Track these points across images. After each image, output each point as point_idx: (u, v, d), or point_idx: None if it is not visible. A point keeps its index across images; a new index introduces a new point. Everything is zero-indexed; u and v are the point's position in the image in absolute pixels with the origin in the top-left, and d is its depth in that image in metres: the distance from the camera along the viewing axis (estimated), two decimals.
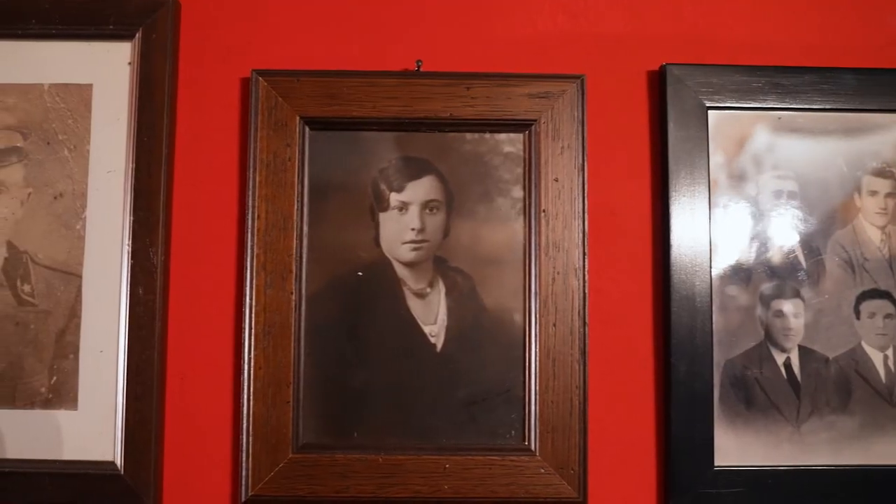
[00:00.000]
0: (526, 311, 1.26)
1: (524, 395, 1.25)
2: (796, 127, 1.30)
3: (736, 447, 1.26)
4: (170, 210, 1.28)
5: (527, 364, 1.25)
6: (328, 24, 1.33)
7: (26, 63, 1.30)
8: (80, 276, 1.27)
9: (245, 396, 1.23)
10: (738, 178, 1.30)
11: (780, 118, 1.30)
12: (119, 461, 1.23)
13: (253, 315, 1.24)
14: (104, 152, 1.28)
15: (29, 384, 1.26)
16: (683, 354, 1.26)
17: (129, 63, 1.29)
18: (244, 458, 1.23)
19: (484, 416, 1.26)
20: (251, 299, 1.24)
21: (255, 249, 1.25)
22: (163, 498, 1.25)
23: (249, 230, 1.25)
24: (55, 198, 1.28)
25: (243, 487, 1.23)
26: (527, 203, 1.28)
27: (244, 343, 1.24)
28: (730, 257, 1.29)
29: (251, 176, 1.26)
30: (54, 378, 1.26)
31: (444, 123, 1.28)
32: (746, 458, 1.26)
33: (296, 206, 1.26)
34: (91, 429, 1.25)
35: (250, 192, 1.26)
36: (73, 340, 1.26)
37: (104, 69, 1.30)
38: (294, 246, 1.25)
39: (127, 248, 1.26)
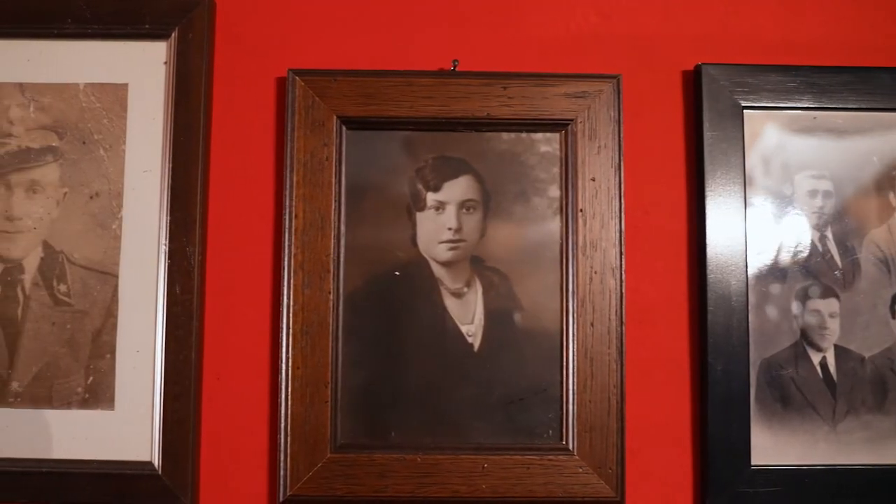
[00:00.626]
0: (563, 311, 1.26)
1: (562, 395, 1.25)
2: (831, 126, 1.30)
3: (772, 446, 1.26)
4: (206, 210, 1.28)
5: (564, 363, 1.25)
6: (363, 23, 1.33)
7: (62, 63, 1.30)
8: (116, 276, 1.27)
9: (283, 396, 1.23)
10: (773, 178, 1.30)
11: (815, 118, 1.30)
12: (156, 461, 1.23)
13: (291, 315, 1.24)
14: (140, 152, 1.28)
15: (65, 384, 1.26)
16: (720, 354, 1.26)
17: (165, 62, 1.29)
18: (282, 458, 1.23)
19: (521, 416, 1.26)
20: (289, 299, 1.24)
21: (292, 249, 1.25)
22: (199, 498, 1.25)
23: (287, 230, 1.25)
24: (91, 197, 1.28)
25: (281, 487, 1.22)
26: (564, 203, 1.28)
27: (282, 343, 1.24)
28: (765, 257, 1.29)
29: (288, 175, 1.26)
30: (91, 378, 1.26)
31: (480, 123, 1.28)
32: (783, 457, 1.26)
33: (333, 206, 1.26)
34: (128, 429, 1.25)
35: (287, 192, 1.26)
36: (109, 340, 1.26)
37: (140, 69, 1.29)
38: (331, 245, 1.25)
39: (164, 248, 1.25)
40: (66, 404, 1.26)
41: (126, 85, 1.29)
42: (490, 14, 1.34)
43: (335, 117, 1.27)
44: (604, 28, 1.34)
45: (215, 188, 1.29)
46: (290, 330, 1.24)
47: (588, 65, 1.32)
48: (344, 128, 1.27)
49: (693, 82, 1.32)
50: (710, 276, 1.27)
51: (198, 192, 1.26)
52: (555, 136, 1.29)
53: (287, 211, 1.25)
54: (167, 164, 1.27)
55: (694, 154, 1.31)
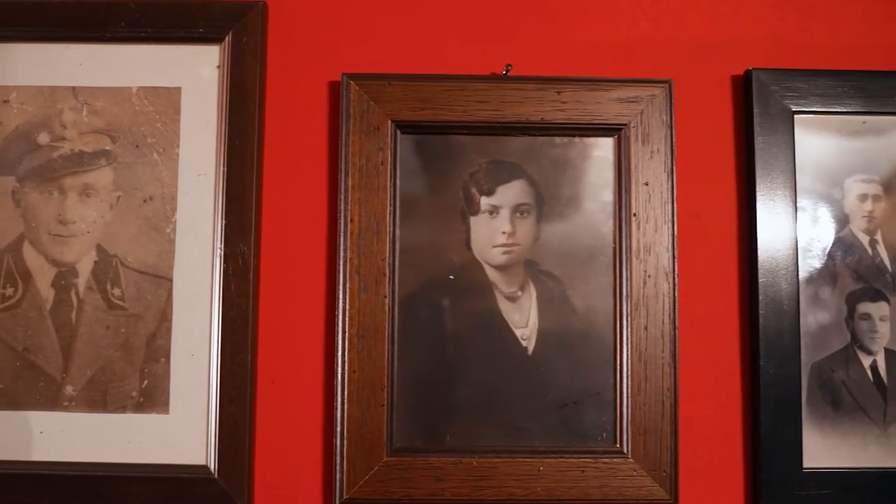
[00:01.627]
0: (617, 315, 1.27)
1: (616, 398, 1.26)
2: (881, 130, 1.31)
3: (823, 449, 1.27)
4: (260, 213, 1.28)
5: (618, 367, 1.26)
6: (415, 27, 1.33)
7: (115, 66, 1.29)
8: (170, 280, 1.27)
9: (339, 400, 1.23)
10: (822, 182, 1.31)
11: (864, 122, 1.31)
12: (212, 465, 1.23)
13: (347, 319, 1.24)
14: (194, 156, 1.28)
15: (120, 388, 1.26)
16: (772, 357, 1.27)
17: (218, 66, 1.29)
18: (338, 461, 1.23)
19: (575, 419, 1.27)
20: (345, 303, 1.24)
21: (348, 253, 1.25)
22: (254, 502, 1.25)
23: (342, 234, 1.25)
24: (144, 201, 1.28)
25: (337, 490, 1.23)
26: (617, 206, 1.28)
27: (337, 346, 1.24)
28: (815, 260, 1.30)
29: (343, 180, 1.26)
30: (145, 382, 1.26)
31: (534, 127, 1.28)
32: (834, 460, 1.27)
33: (388, 210, 1.26)
34: (183, 433, 1.25)
35: (342, 196, 1.26)
36: (163, 344, 1.26)
37: (193, 72, 1.29)
38: (387, 249, 1.25)
39: (219, 252, 1.26)
40: (121, 408, 1.25)
41: (179, 89, 1.29)
42: (540, 19, 1.34)
43: (390, 121, 1.27)
44: (653, 33, 1.34)
45: (268, 192, 1.29)
46: (347, 334, 1.24)
47: (637, 69, 1.33)
48: (398, 132, 1.28)
49: (743, 87, 1.32)
50: (762, 280, 1.28)
51: (253, 195, 1.26)
52: (607, 141, 1.30)
53: (342, 215, 1.25)
54: (222, 168, 1.27)
55: (744, 158, 1.32)
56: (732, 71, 1.33)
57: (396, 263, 1.26)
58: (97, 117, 1.29)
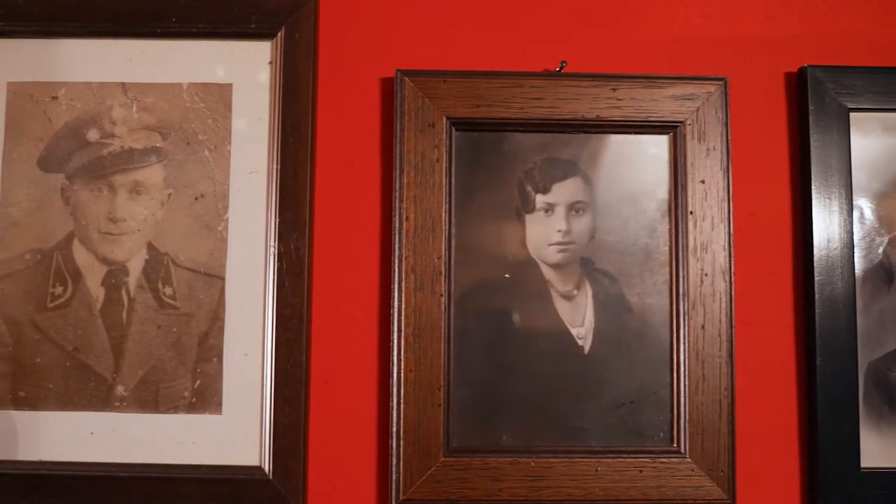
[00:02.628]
0: (674, 313, 1.26)
1: (673, 397, 1.25)
2: None
3: (880, 449, 1.26)
4: (313, 211, 1.26)
5: (675, 366, 1.25)
6: (468, 23, 1.32)
7: (165, 62, 1.28)
8: (222, 279, 1.25)
9: (395, 400, 1.22)
10: (878, 180, 1.30)
11: None
12: (267, 466, 1.22)
13: (402, 318, 1.23)
14: (245, 153, 1.27)
15: (172, 388, 1.24)
16: (828, 356, 1.26)
17: (270, 62, 1.28)
18: (394, 462, 1.22)
19: (631, 418, 1.25)
20: (400, 302, 1.23)
21: (403, 252, 1.24)
22: (308, 503, 1.24)
23: (397, 232, 1.24)
24: (196, 199, 1.26)
25: (394, 491, 1.21)
26: (673, 205, 1.27)
27: (393, 346, 1.23)
28: (871, 258, 1.29)
29: (398, 177, 1.25)
30: (198, 382, 1.24)
31: (589, 125, 1.27)
32: (891, 460, 1.26)
33: (444, 208, 1.25)
34: (236, 433, 1.23)
35: (397, 194, 1.24)
36: (216, 343, 1.25)
37: (244, 69, 1.28)
38: (443, 248, 1.24)
39: (273, 250, 1.24)
40: (173, 408, 1.24)
41: (230, 85, 1.28)
42: (592, 15, 1.33)
43: (445, 118, 1.26)
44: (706, 30, 1.34)
45: (320, 189, 1.28)
46: (402, 333, 1.23)
47: (690, 67, 1.32)
48: (453, 129, 1.26)
49: (797, 84, 1.32)
50: (818, 279, 1.27)
51: (307, 192, 1.24)
52: (662, 138, 1.29)
53: (397, 213, 1.24)
54: (275, 165, 1.25)
55: (798, 156, 1.31)
56: (786, 68, 1.32)
57: (452, 262, 1.25)
58: (147, 114, 1.27)
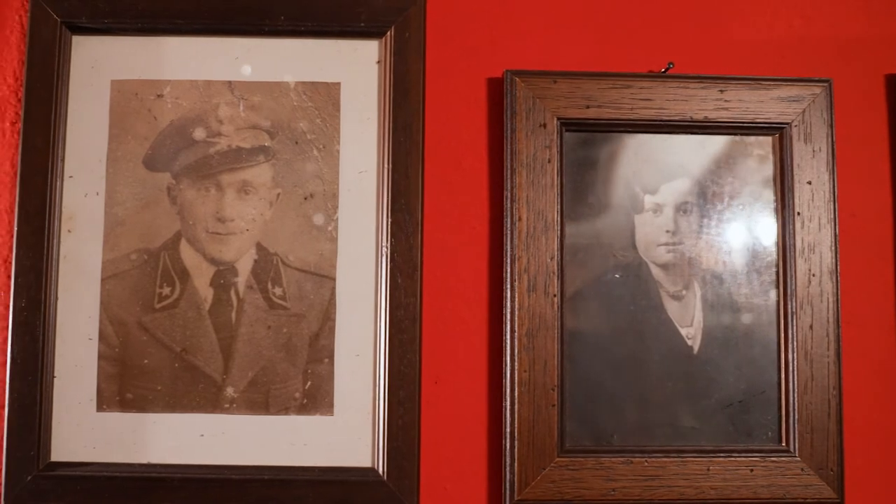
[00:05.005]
0: (782, 313, 1.27)
1: (782, 397, 1.26)
2: None
3: None
4: (423, 211, 1.25)
5: (784, 365, 1.26)
6: (572, 23, 1.32)
7: (272, 60, 1.27)
8: (333, 279, 1.24)
9: (508, 400, 1.22)
10: None
11: None
12: (381, 467, 1.21)
13: (516, 318, 1.23)
14: (355, 152, 1.26)
15: (282, 389, 1.23)
16: None
17: (378, 61, 1.27)
18: (508, 462, 1.21)
19: (740, 418, 1.26)
20: (513, 302, 1.23)
21: (516, 252, 1.24)
22: None
23: (509, 233, 1.24)
24: (305, 198, 1.25)
25: (507, 492, 1.21)
26: (780, 205, 1.28)
27: (506, 346, 1.23)
28: None
29: (509, 178, 1.24)
30: (309, 383, 1.23)
31: (697, 125, 1.28)
32: None
33: (556, 209, 1.25)
34: (348, 434, 1.23)
35: (508, 194, 1.24)
36: (327, 344, 1.24)
37: (352, 67, 1.27)
38: (555, 248, 1.24)
39: (384, 250, 1.23)
40: (284, 410, 1.23)
41: (339, 84, 1.27)
42: (694, 17, 1.33)
43: (556, 119, 1.26)
44: (806, 31, 1.34)
45: (428, 189, 1.27)
46: (516, 333, 1.23)
47: (790, 68, 1.33)
48: (563, 129, 1.26)
49: None
50: None
51: (419, 193, 1.24)
52: (767, 140, 1.29)
53: (509, 214, 1.24)
54: (385, 165, 1.24)
55: None
56: (886, 70, 1.34)
57: (563, 262, 1.25)
58: (254, 112, 1.26)
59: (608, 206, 1.27)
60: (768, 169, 1.29)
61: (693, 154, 1.29)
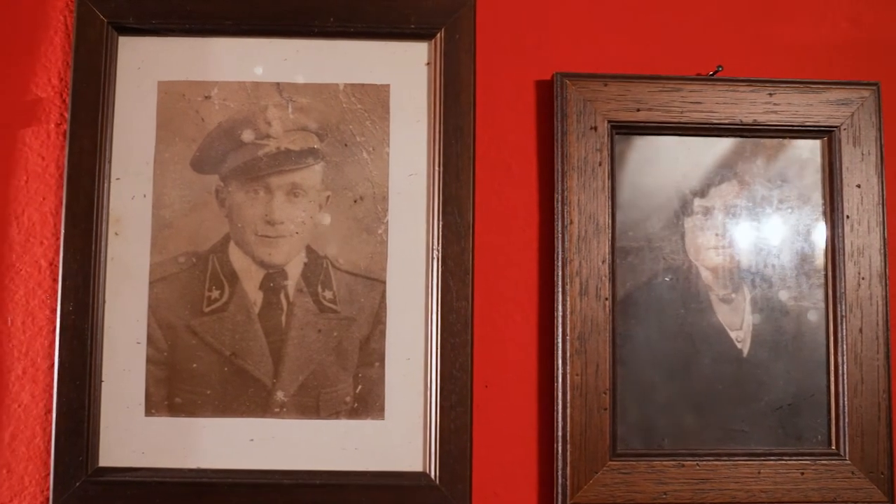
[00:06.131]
0: (832, 317, 1.27)
1: (832, 399, 1.26)
2: None
3: None
4: (474, 214, 1.25)
5: (833, 368, 1.26)
6: (619, 26, 1.32)
7: (321, 62, 1.26)
8: (383, 282, 1.24)
9: (560, 404, 1.22)
10: None
11: None
12: (433, 472, 1.20)
13: (567, 322, 1.22)
14: (405, 155, 1.25)
15: (333, 393, 1.22)
16: None
17: (427, 63, 1.26)
18: (561, 466, 1.21)
19: (790, 421, 1.26)
20: (564, 306, 1.23)
21: (567, 255, 1.23)
22: None
23: (560, 236, 1.23)
24: (355, 201, 1.25)
25: (560, 496, 1.21)
26: (829, 208, 1.28)
27: (557, 350, 1.22)
28: None
29: (560, 181, 1.24)
30: (359, 387, 1.23)
31: (745, 129, 1.28)
32: None
33: (607, 212, 1.24)
34: (399, 439, 1.22)
35: (559, 197, 1.24)
36: (378, 348, 1.23)
37: (402, 69, 1.26)
38: (606, 252, 1.24)
39: (436, 253, 1.23)
40: (335, 414, 1.22)
41: (388, 86, 1.26)
42: (742, 20, 1.33)
43: (607, 122, 1.25)
44: (854, 34, 1.34)
45: (478, 192, 1.27)
46: (568, 337, 1.22)
47: (838, 71, 1.33)
48: (614, 132, 1.26)
49: None
50: None
51: (470, 196, 1.23)
52: (815, 143, 1.30)
53: (560, 217, 1.24)
54: (436, 168, 1.24)
55: None
56: None
57: (615, 265, 1.25)
58: (303, 114, 1.25)
59: (657, 209, 1.27)
60: (816, 172, 1.29)
61: (741, 157, 1.28)
